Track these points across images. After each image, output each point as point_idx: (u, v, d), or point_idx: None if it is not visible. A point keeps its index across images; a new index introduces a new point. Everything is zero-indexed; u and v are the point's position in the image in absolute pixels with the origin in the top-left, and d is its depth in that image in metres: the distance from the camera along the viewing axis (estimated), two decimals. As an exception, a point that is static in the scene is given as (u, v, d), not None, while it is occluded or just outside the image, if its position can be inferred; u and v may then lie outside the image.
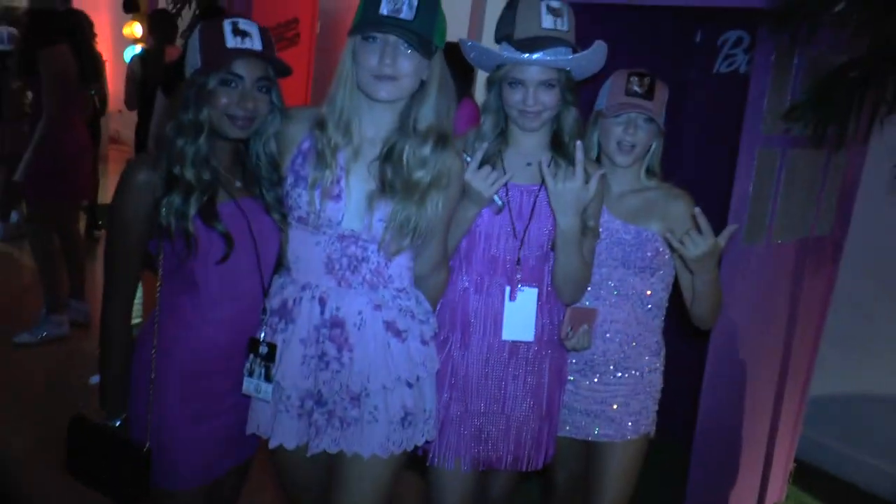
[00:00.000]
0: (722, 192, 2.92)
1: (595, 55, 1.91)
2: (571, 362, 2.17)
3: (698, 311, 2.14)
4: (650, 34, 3.14)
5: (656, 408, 2.25)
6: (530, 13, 1.87)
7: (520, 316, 1.99)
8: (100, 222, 6.28)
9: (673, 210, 2.11)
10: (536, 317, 2.01)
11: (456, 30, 2.15)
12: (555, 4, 1.89)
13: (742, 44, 3.35)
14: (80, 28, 4.44)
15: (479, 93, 4.16)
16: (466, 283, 2.01)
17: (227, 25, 1.70)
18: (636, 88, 2.09)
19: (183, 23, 7.11)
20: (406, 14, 1.66)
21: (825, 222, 2.85)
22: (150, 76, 5.07)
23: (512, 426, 2.05)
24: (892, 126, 2.08)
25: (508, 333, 2.00)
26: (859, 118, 2.03)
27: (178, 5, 7.17)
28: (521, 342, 2.01)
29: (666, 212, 2.12)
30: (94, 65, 4.52)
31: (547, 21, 1.87)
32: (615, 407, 2.17)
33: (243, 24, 1.72)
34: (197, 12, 7.16)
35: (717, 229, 2.44)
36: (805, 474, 3.44)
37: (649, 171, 2.20)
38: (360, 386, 1.78)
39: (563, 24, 1.89)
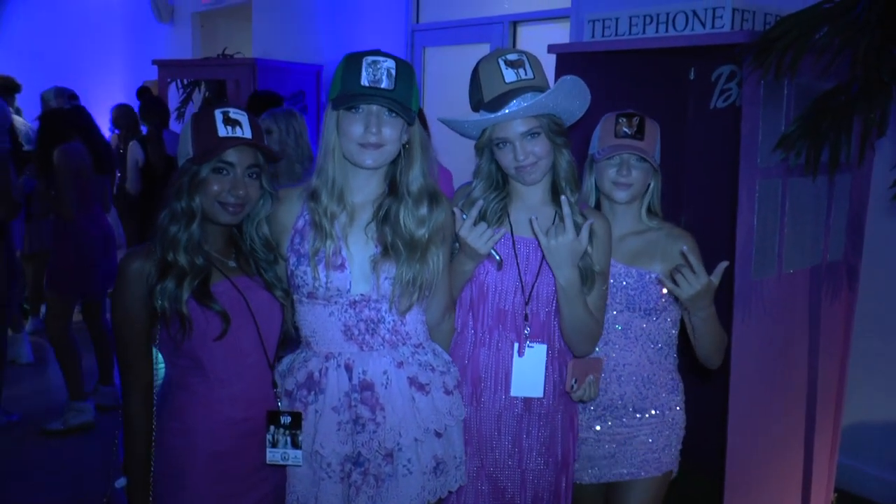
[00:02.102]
0: (731, 227, 2.92)
1: (564, 89, 1.91)
2: (590, 409, 2.16)
3: (701, 351, 2.13)
4: (646, 75, 3.19)
5: (680, 446, 2.23)
6: (492, 73, 1.93)
7: (529, 372, 1.99)
8: None
9: (674, 251, 2.11)
10: (547, 372, 2.00)
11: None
12: (512, 57, 1.94)
13: (736, 78, 3.38)
14: (90, 122, 4.56)
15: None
16: (475, 338, 2.03)
17: (218, 115, 1.78)
18: (625, 129, 2.12)
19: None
20: (386, 84, 1.74)
21: (837, 247, 2.82)
22: (149, 160, 5.19)
23: (528, 480, 2.04)
24: (886, 148, 2.08)
25: (517, 390, 2.00)
26: (850, 142, 2.04)
27: (189, 90, 7.44)
28: (533, 397, 2.01)
29: (667, 253, 2.13)
30: (108, 155, 4.62)
31: (509, 75, 1.91)
32: (638, 444, 2.16)
33: (234, 113, 1.79)
34: (206, 94, 7.43)
35: (729, 265, 2.45)
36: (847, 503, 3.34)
37: (650, 211, 2.21)
38: (393, 442, 1.82)
39: (527, 73, 1.92)
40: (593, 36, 2.95)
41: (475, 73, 1.96)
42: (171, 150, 5.47)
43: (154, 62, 6.87)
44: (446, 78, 5.79)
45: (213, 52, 7.65)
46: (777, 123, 2.47)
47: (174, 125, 6.97)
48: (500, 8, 5.58)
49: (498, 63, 1.92)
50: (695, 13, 2.58)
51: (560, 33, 5.01)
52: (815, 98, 2.05)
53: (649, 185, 2.18)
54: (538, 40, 5.27)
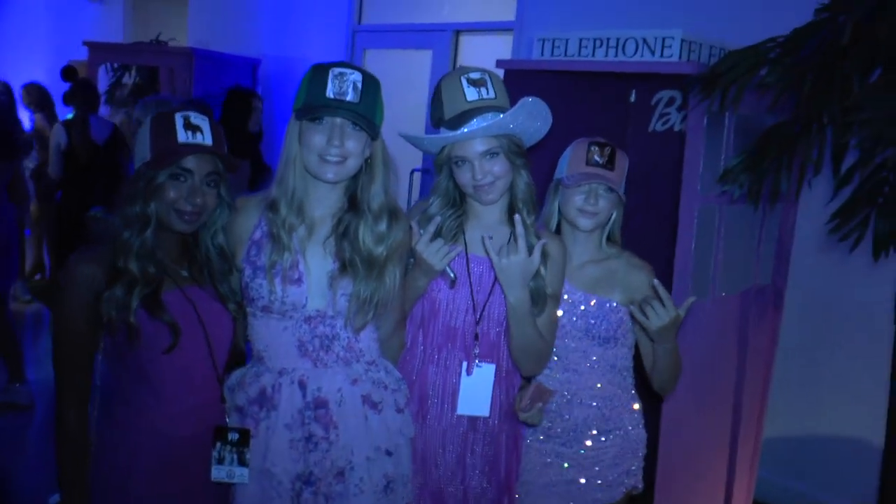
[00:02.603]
0: (663, 245, 3.02)
1: (526, 110, 1.89)
2: (557, 431, 2.17)
3: (659, 379, 2.15)
4: (589, 96, 3.27)
5: (643, 463, 2.26)
6: (454, 91, 1.91)
7: (476, 391, 1.99)
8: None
9: (634, 280, 2.13)
10: (494, 392, 2.01)
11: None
12: (475, 76, 1.93)
13: (674, 103, 3.49)
14: None
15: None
16: (424, 355, 2.02)
17: (178, 119, 1.73)
18: (597, 158, 2.11)
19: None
20: (352, 97, 1.72)
21: (765, 272, 2.96)
22: (73, 145, 5.01)
23: (470, 498, 2.04)
24: (819, 185, 2.20)
25: (464, 408, 2.00)
26: (790, 177, 2.15)
27: (118, 74, 7.21)
28: (478, 416, 2.01)
29: (627, 282, 2.14)
30: (11, 140, 4.19)
31: (471, 93, 1.90)
32: (604, 468, 2.17)
33: (195, 118, 1.74)
34: (137, 80, 7.22)
35: (666, 283, 2.53)
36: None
37: (610, 239, 2.22)
38: (345, 460, 1.80)
39: (489, 93, 1.91)
40: (542, 54, 3.00)
41: (437, 90, 1.95)
42: (96, 135, 5.27)
43: (85, 43, 6.62)
44: (386, 82, 5.72)
45: (144, 36, 7.42)
46: (717, 153, 2.57)
47: (103, 110, 6.76)
48: (443, 16, 5.60)
49: (460, 81, 1.91)
50: (645, 41, 2.66)
51: (503, 45, 5.07)
52: (760, 135, 2.15)
53: (612, 214, 2.18)
54: (481, 51, 5.34)
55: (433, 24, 5.55)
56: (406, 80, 5.51)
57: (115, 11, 8.98)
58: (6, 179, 4.16)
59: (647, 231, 3.40)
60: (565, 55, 2.93)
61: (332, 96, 1.71)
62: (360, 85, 1.73)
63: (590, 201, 2.11)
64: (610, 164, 2.12)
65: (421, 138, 1.99)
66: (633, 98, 3.60)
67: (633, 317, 2.07)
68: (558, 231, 2.23)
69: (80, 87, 5.53)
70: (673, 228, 2.61)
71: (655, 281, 2.00)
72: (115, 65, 7.06)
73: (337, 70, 1.73)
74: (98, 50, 6.66)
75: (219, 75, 6.15)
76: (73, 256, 1.75)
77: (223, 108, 5.23)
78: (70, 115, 5.27)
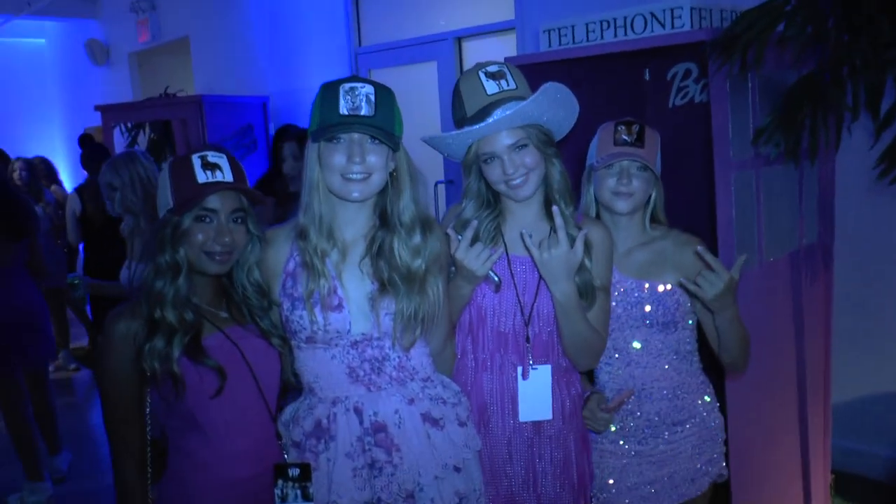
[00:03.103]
0: (700, 220, 2.95)
1: (548, 96, 1.84)
2: (630, 428, 2.10)
3: (728, 356, 2.06)
4: (603, 80, 3.20)
5: (724, 448, 2.17)
6: (473, 87, 1.87)
7: (535, 395, 1.93)
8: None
9: (685, 258, 2.05)
10: (554, 393, 1.95)
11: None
12: (492, 69, 1.88)
13: (691, 75, 3.42)
14: None
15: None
16: (476, 363, 1.97)
17: (195, 160, 1.70)
18: (625, 137, 2.05)
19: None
20: (366, 111, 1.67)
21: (811, 231, 2.86)
22: (88, 210, 5.04)
23: None
24: (858, 131, 2.11)
25: (525, 414, 1.93)
26: (827, 128, 2.07)
27: (134, 133, 7.28)
28: (542, 420, 1.95)
29: (678, 261, 2.06)
30: (17, 219, 4.10)
31: (490, 87, 1.85)
32: (683, 461, 2.09)
33: (212, 156, 1.71)
34: (152, 136, 7.29)
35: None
36: (844, 483, 3.40)
37: (654, 220, 2.15)
38: (413, 483, 1.75)
39: (509, 84, 1.86)
40: (550, 45, 2.95)
41: (456, 90, 1.90)
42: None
43: (97, 108, 6.71)
44: (396, 98, 5.75)
45: (154, 91, 7.51)
46: (745, 116, 2.50)
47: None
48: (442, 25, 5.58)
49: (479, 76, 1.86)
50: (653, 15, 2.59)
51: (506, 46, 5.03)
52: (788, 89, 2.07)
53: (651, 195, 2.11)
54: (485, 54, 5.30)
55: (433, 35, 5.54)
56: (415, 94, 5.49)
57: (121, 71, 9.12)
58: (24, 257, 4.14)
59: (680, 208, 3.32)
60: (573, 42, 2.87)
61: (346, 112, 1.67)
62: (373, 97, 1.69)
63: (622, 181, 2.04)
64: (639, 141, 2.05)
65: (444, 137, 1.91)
66: (647, 76, 3.53)
67: (688, 292, 1.98)
68: (598, 219, 2.15)
69: (90, 152, 5.59)
70: (708, 201, 2.53)
71: (699, 248, 1.92)
72: (130, 125, 7.13)
73: (348, 85, 1.69)
74: (109, 112, 6.74)
75: (230, 118, 6.19)
76: (110, 315, 1.73)
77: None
78: (84, 182, 5.32)
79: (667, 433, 2.08)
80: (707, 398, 2.14)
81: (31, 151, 7.91)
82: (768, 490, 2.75)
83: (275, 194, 3.95)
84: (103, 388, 1.73)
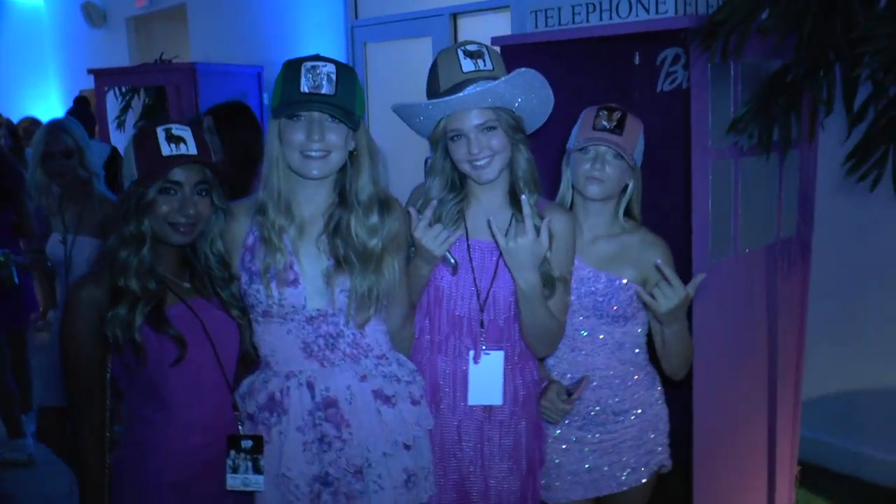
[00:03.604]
0: (681, 208, 2.94)
1: (523, 80, 1.83)
2: (572, 419, 2.11)
3: (669, 364, 2.08)
4: (591, 63, 3.19)
5: (668, 440, 2.19)
6: (450, 63, 1.86)
7: (486, 380, 1.94)
8: None
9: (648, 258, 2.05)
10: (506, 379, 1.95)
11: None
12: (472, 48, 1.88)
13: (680, 61, 3.40)
14: None
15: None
16: (432, 344, 1.98)
17: (160, 133, 1.71)
18: (604, 123, 2.05)
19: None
20: (327, 89, 1.69)
21: (789, 223, 2.86)
22: None
23: (491, 487, 1.99)
24: (835, 125, 2.10)
25: (475, 398, 1.94)
26: (801, 121, 2.06)
27: (128, 98, 7.24)
28: (493, 405, 1.96)
29: (640, 259, 2.07)
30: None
31: (467, 64, 1.85)
32: (626, 451, 2.11)
33: (177, 129, 1.72)
34: (147, 101, 7.26)
35: (683, 247, 2.46)
36: (810, 475, 3.42)
37: (627, 215, 2.14)
38: (361, 458, 1.78)
39: (486, 64, 1.86)
40: (536, 26, 2.93)
41: (434, 65, 1.89)
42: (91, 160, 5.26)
43: (90, 71, 6.65)
44: (389, 72, 5.74)
45: (150, 57, 7.45)
46: (726, 105, 2.49)
47: (115, 135, 6.80)
48: (437, 1, 5.54)
49: (457, 53, 1.86)
50: (638, 0, 2.58)
51: (502, 24, 4.99)
52: (765, 80, 2.06)
53: (627, 185, 2.10)
54: (480, 32, 5.26)
55: (429, 10, 5.49)
56: (409, 68, 5.45)
57: (118, 36, 9.06)
58: (9, 220, 4.15)
59: (663, 195, 3.32)
60: (559, 24, 2.85)
61: (307, 90, 1.69)
62: (334, 76, 1.70)
63: (596, 166, 2.03)
64: (619, 128, 2.04)
65: (414, 106, 1.90)
66: (637, 60, 3.51)
67: (642, 302, 1.99)
68: (572, 207, 2.15)
69: (76, 114, 5.57)
70: (688, 188, 2.52)
71: (660, 261, 1.92)
72: (124, 89, 7.09)
73: (309, 64, 1.70)
74: (103, 76, 6.69)
75: (224, 87, 6.14)
76: (74, 282, 1.77)
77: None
78: None
79: (607, 423, 2.10)
80: (652, 390, 2.15)
81: (27, 111, 7.88)
82: (732, 478, 2.77)
83: None
84: (65, 353, 1.74)
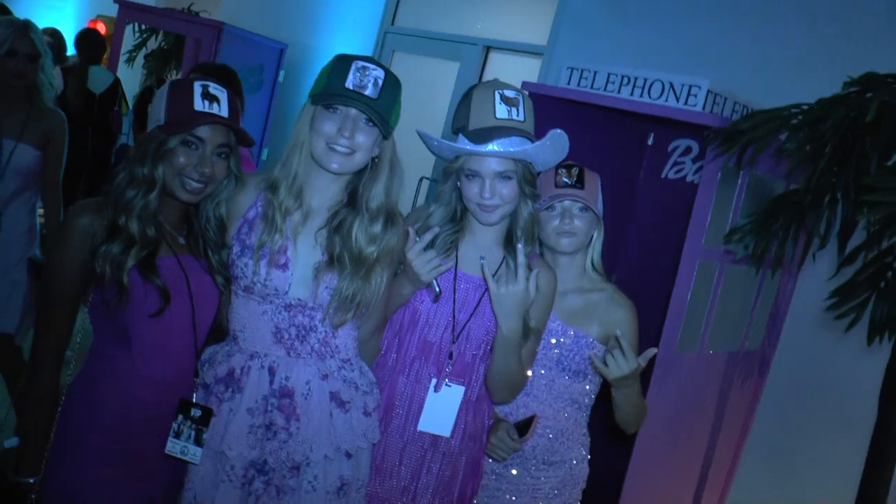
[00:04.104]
0: (661, 293, 2.99)
1: (553, 144, 1.85)
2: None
3: (620, 418, 2.14)
4: (606, 132, 3.24)
5: (580, 497, 2.23)
6: (484, 104, 1.86)
7: (441, 410, 1.95)
8: None
9: (613, 317, 2.11)
10: (460, 413, 1.97)
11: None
12: (510, 94, 1.87)
13: (691, 153, 3.48)
14: None
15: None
16: (396, 363, 1.98)
17: (197, 87, 1.71)
18: (565, 179, 2.11)
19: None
20: (371, 92, 1.71)
21: (756, 338, 2.93)
22: (66, 92, 4.95)
23: None
24: (822, 261, 2.17)
25: (425, 425, 1.95)
26: (796, 246, 2.12)
27: (145, 36, 7.19)
28: (440, 436, 1.97)
29: (606, 318, 2.12)
30: None
31: (501, 111, 1.85)
32: (541, 497, 2.14)
33: (214, 88, 1.73)
34: (163, 45, 7.21)
35: (657, 330, 2.50)
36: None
37: (594, 268, 2.20)
38: (302, 455, 1.77)
39: (519, 114, 1.86)
40: (569, 83, 2.98)
41: (467, 98, 1.90)
42: (94, 85, 5.20)
43: (115, 0, 6.61)
44: (411, 86, 5.74)
45: (176, 4, 7.42)
46: (726, 209, 2.55)
47: (122, 69, 6.73)
48: (476, 30, 5.60)
49: (494, 95, 1.86)
50: (671, 86, 2.63)
51: (531, 68, 5.06)
52: (771, 199, 2.12)
53: (592, 236, 2.16)
54: (509, 70, 5.32)
55: (465, 37, 5.54)
56: (430, 87, 5.49)
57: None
58: None
59: (649, 276, 3.38)
60: (592, 87, 2.90)
61: (351, 87, 1.70)
62: (381, 81, 1.72)
63: (565, 221, 2.09)
64: (579, 182, 2.11)
65: (440, 141, 1.92)
66: (650, 140, 3.58)
67: (593, 363, 2.05)
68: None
69: (84, 36, 5.50)
70: (672, 277, 2.58)
71: (619, 332, 1.97)
72: (143, 27, 7.03)
73: (361, 63, 1.72)
74: (128, 9, 6.63)
75: (244, 54, 6.12)
76: (74, 207, 1.74)
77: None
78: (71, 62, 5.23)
79: (533, 468, 2.15)
80: (583, 450, 2.21)
81: (47, 22, 7.76)
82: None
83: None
84: (49, 274, 1.72)
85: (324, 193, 1.82)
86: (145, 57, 7.05)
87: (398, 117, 1.80)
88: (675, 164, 3.52)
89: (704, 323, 2.62)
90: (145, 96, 5.89)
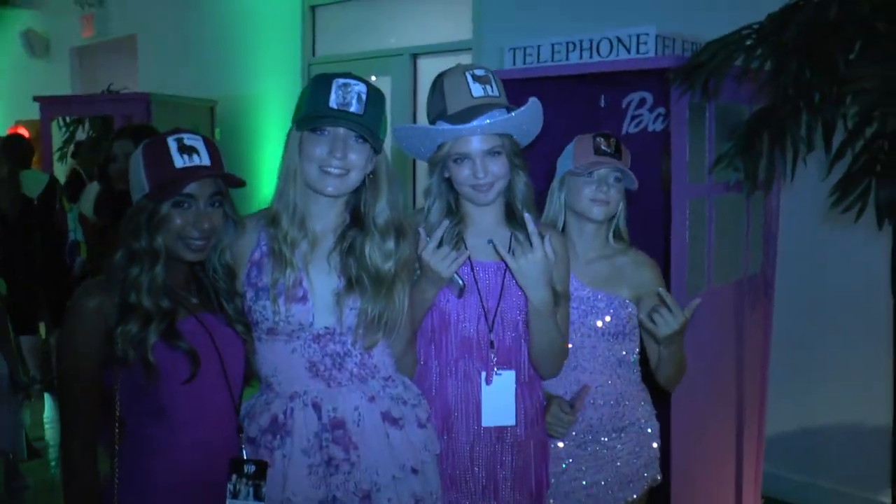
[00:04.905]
0: (652, 245, 3.01)
1: (533, 111, 1.86)
2: (571, 434, 2.12)
3: (665, 377, 2.15)
4: (559, 104, 3.25)
5: (659, 453, 2.24)
6: (459, 86, 1.85)
7: (498, 401, 1.93)
8: None
9: (641, 277, 2.15)
10: (518, 399, 1.95)
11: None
12: (479, 73, 1.88)
13: (646, 104, 3.51)
14: None
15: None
16: (440, 369, 1.95)
17: (172, 143, 1.64)
18: (604, 148, 2.13)
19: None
20: (356, 108, 1.67)
21: (755, 262, 2.96)
22: (2, 201, 4.86)
23: None
24: (800, 169, 2.20)
25: (488, 419, 1.93)
26: (785, 158, 2.15)
27: (72, 128, 7.07)
28: (505, 427, 1.95)
29: (634, 279, 2.15)
30: None
31: (476, 90, 1.85)
32: (622, 466, 2.15)
33: (188, 139, 1.65)
34: (91, 133, 7.08)
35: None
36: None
37: (616, 235, 2.22)
38: (370, 482, 1.73)
39: (494, 90, 1.87)
40: (514, 64, 2.99)
41: (438, 85, 1.89)
42: (28, 190, 5.09)
43: (35, 98, 6.48)
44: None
45: (93, 88, 7.32)
46: (701, 144, 2.58)
47: (58, 167, 6.60)
48: (397, 41, 5.61)
49: (465, 76, 1.86)
50: (619, 40, 2.66)
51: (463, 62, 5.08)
52: (749, 118, 2.15)
53: (620, 205, 2.18)
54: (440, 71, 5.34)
55: (389, 50, 5.56)
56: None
57: (61, 67, 8.87)
58: None
59: (633, 232, 3.40)
60: (538, 62, 2.92)
61: (335, 106, 1.67)
62: (364, 96, 1.69)
63: (602, 189, 2.10)
64: (617, 152, 2.14)
65: (426, 129, 1.90)
66: (602, 102, 3.61)
67: (640, 323, 2.07)
68: (563, 229, 2.20)
69: (7, 142, 5.39)
70: (660, 225, 2.60)
71: (661, 289, 2.00)
72: (68, 119, 6.92)
73: (341, 80, 1.69)
74: (49, 104, 6.53)
75: (176, 119, 6.05)
76: (79, 289, 1.67)
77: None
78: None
79: (605, 438, 2.15)
80: (646, 406, 2.22)
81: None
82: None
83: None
84: (65, 361, 1.65)
85: (326, 218, 1.79)
86: (75, 145, 6.90)
87: (386, 129, 1.78)
88: (633, 117, 3.54)
89: (707, 260, 2.63)
90: (73, 184, 5.77)
